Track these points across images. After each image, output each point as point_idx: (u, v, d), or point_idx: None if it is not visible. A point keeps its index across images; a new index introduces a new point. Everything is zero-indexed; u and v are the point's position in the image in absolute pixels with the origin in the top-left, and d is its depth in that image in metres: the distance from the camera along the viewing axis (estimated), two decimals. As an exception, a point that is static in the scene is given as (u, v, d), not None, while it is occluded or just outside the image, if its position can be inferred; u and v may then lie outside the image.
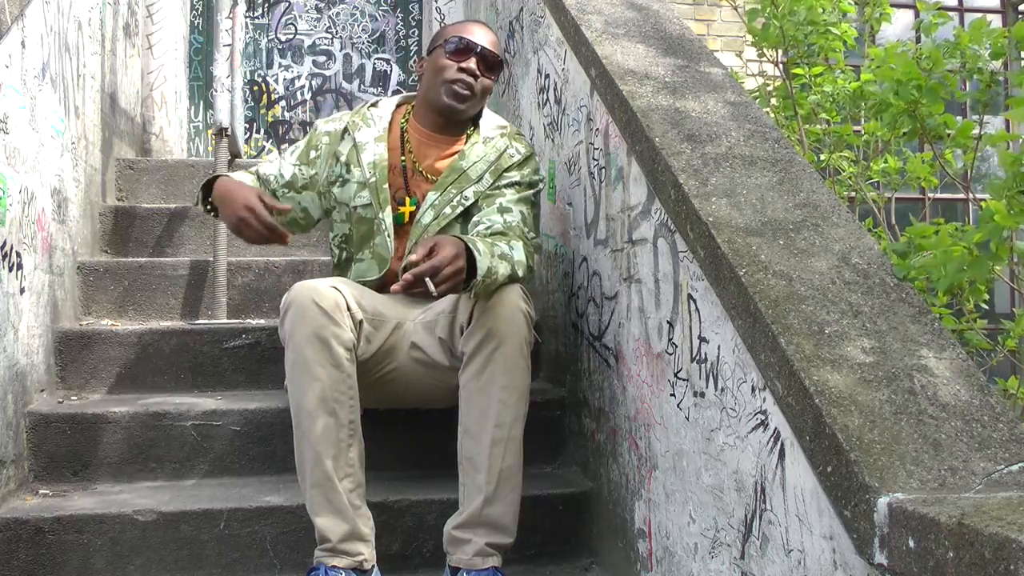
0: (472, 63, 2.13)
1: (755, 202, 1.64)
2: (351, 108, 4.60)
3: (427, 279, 1.70)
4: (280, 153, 2.18)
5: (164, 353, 2.54)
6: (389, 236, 2.13)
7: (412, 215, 2.15)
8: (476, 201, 2.14)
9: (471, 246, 1.81)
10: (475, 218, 2.11)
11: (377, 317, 2.01)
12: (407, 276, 1.70)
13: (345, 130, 2.20)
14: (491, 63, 2.17)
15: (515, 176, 2.15)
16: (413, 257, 1.73)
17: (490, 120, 2.25)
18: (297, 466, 1.86)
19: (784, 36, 2.96)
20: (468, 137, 2.22)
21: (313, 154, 2.21)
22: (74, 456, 2.21)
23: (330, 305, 1.83)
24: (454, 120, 2.19)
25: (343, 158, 2.18)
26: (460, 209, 2.13)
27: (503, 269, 1.88)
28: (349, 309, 1.88)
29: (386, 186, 2.14)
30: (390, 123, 2.22)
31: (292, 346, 1.84)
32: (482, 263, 1.80)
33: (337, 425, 1.83)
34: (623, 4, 2.44)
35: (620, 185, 2.02)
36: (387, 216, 2.13)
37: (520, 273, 1.96)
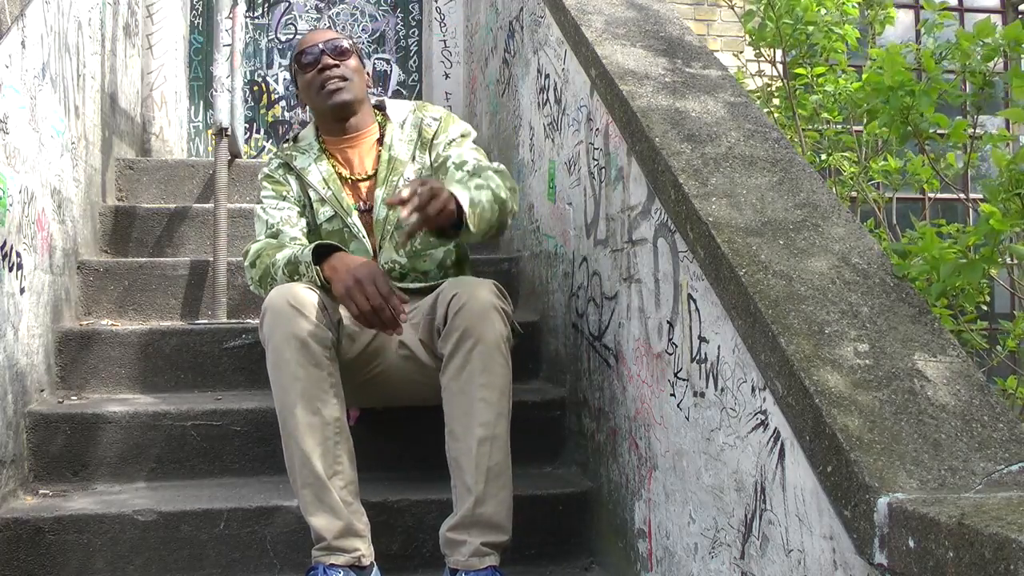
0: (325, 59, 2.17)
1: (755, 202, 1.64)
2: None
3: (416, 194, 1.74)
4: (260, 209, 2.20)
5: (164, 353, 2.54)
6: (364, 237, 2.16)
7: (368, 218, 2.18)
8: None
9: (447, 187, 1.85)
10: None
11: None
12: (401, 194, 1.74)
13: (284, 165, 2.24)
14: (339, 50, 2.19)
15: (444, 137, 2.22)
16: (405, 194, 1.76)
17: (396, 106, 2.31)
18: (287, 467, 1.86)
19: (781, 36, 2.96)
20: (381, 127, 2.26)
21: (284, 191, 2.21)
22: (74, 456, 2.21)
23: (305, 305, 1.84)
24: (351, 113, 2.22)
25: (296, 190, 2.21)
26: None
27: (485, 196, 1.93)
28: (326, 308, 1.88)
29: (343, 194, 2.18)
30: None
31: (271, 348, 1.86)
32: (463, 196, 1.86)
33: (322, 423, 1.83)
34: (623, 4, 2.44)
35: (620, 185, 2.02)
36: (356, 220, 2.16)
37: (504, 196, 1.98)
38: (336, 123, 2.22)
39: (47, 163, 2.40)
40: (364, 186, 2.21)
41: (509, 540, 1.87)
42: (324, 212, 2.18)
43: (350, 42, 2.24)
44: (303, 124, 4.68)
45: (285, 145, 2.30)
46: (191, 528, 2.00)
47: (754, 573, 1.41)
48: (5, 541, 1.92)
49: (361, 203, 2.20)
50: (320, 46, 2.18)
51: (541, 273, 2.71)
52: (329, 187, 2.18)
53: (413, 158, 2.21)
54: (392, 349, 2.07)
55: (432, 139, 2.22)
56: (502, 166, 2.13)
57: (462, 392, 1.86)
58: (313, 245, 1.96)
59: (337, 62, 2.17)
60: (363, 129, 2.25)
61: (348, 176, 2.22)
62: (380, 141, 2.24)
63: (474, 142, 2.25)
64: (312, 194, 2.19)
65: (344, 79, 2.17)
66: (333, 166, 2.22)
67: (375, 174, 2.20)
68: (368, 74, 2.31)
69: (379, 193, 2.17)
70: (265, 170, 2.26)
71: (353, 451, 1.89)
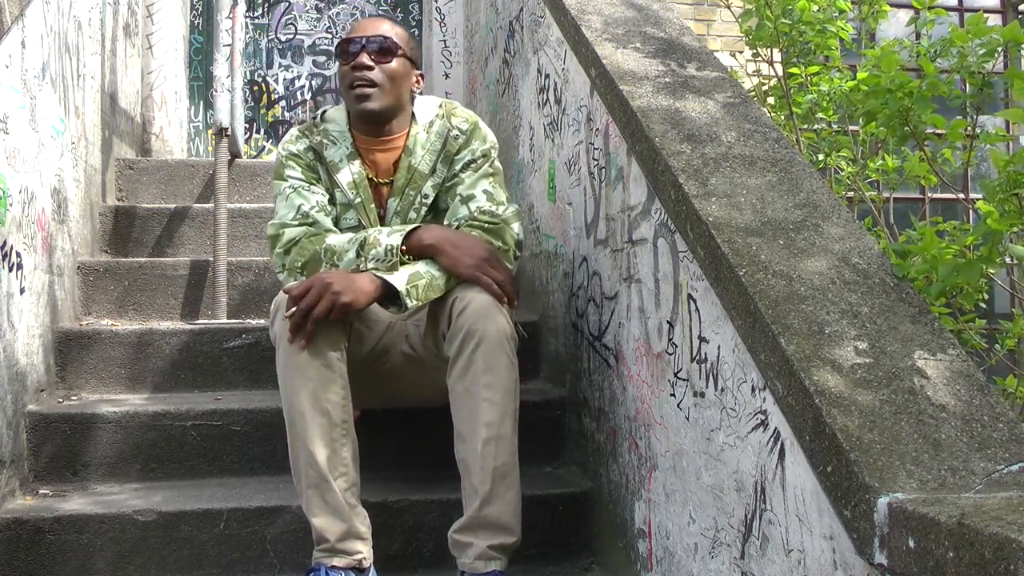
0: (362, 58, 2.04)
1: (755, 202, 1.64)
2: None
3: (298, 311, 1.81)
4: (287, 187, 2.06)
5: (164, 353, 2.54)
6: None
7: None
8: (438, 195, 2.12)
9: (380, 275, 1.87)
10: (446, 221, 2.09)
11: (370, 317, 2.01)
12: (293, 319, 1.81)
13: (312, 149, 2.11)
14: (383, 48, 2.04)
15: (467, 156, 2.11)
16: (289, 285, 1.88)
17: (424, 104, 2.16)
18: (292, 467, 1.86)
19: (778, 35, 2.95)
20: (409, 129, 2.14)
21: (314, 178, 2.10)
22: (74, 456, 2.21)
23: None
24: (381, 121, 2.09)
25: (324, 181, 2.11)
26: (424, 209, 2.11)
27: (435, 268, 1.91)
28: None
29: (372, 206, 2.09)
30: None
31: (282, 347, 1.84)
32: (398, 278, 1.86)
33: (330, 425, 1.83)
34: (623, 4, 2.44)
35: (620, 185, 2.02)
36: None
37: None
38: (365, 125, 2.11)
39: (47, 163, 2.40)
40: (385, 190, 2.12)
41: (518, 541, 1.86)
42: (348, 218, 2.09)
43: (400, 40, 2.07)
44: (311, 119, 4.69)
45: (313, 124, 2.14)
46: (191, 528, 2.00)
47: (754, 573, 1.41)
48: (5, 541, 1.92)
49: (378, 208, 2.11)
50: (363, 41, 2.04)
51: (541, 273, 2.71)
52: (359, 194, 2.08)
53: (434, 171, 2.11)
54: (398, 349, 2.07)
55: (455, 154, 2.11)
56: (510, 209, 2.05)
57: (467, 393, 1.85)
58: (410, 228, 1.94)
59: (373, 64, 2.03)
60: (397, 133, 2.12)
61: (373, 178, 2.12)
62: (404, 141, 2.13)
63: (492, 163, 2.12)
64: (339, 195, 2.09)
65: (373, 85, 2.03)
66: (363, 168, 2.10)
67: (391, 178, 2.12)
68: (420, 77, 2.15)
69: (392, 204, 2.10)
70: (291, 148, 2.10)
71: (358, 454, 1.89)
